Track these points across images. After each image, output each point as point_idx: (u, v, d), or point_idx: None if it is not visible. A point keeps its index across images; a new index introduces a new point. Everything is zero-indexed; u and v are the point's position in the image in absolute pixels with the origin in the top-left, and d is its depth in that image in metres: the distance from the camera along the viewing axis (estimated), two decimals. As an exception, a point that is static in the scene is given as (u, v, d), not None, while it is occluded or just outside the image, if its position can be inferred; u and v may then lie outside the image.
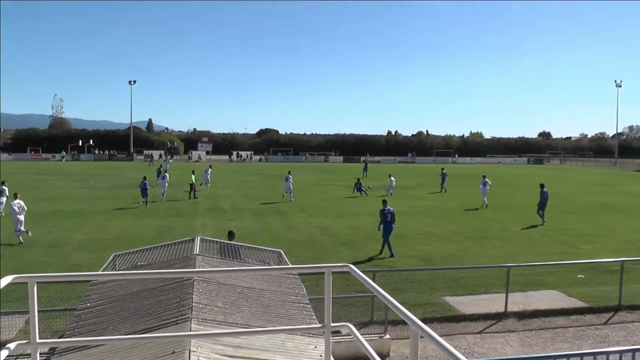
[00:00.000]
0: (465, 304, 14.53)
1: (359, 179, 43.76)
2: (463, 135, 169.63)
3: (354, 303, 14.00)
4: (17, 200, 23.59)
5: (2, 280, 3.69)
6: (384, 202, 22.14)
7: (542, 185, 29.95)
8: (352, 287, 14.71)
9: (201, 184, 44.73)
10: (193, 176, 40.14)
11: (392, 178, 43.07)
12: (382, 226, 21.11)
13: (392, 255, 20.36)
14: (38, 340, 3.76)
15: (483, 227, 26.98)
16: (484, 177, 36.45)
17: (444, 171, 47.29)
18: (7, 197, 30.14)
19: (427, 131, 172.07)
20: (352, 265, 4.26)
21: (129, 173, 61.18)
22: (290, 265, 8.86)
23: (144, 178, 36.38)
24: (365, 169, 63.46)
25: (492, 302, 14.27)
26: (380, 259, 20.07)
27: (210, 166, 51.24)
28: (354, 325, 4.36)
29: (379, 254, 20.59)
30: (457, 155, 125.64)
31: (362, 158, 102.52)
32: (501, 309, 14.09)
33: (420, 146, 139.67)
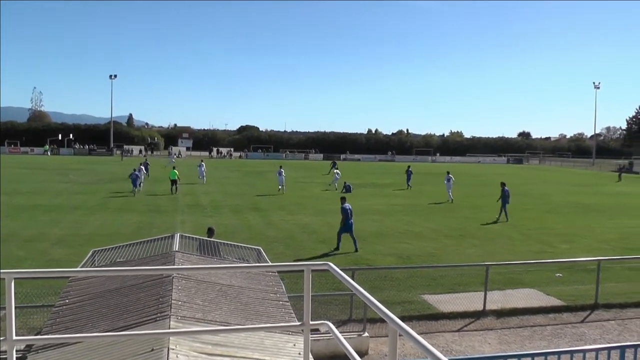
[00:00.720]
0: (444, 302, 14.60)
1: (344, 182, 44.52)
2: (443, 135, 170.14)
3: (333, 301, 14.03)
4: None
5: None
6: (343, 199, 22.46)
7: (503, 184, 31.04)
8: (330, 285, 14.68)
9: (199, 177, 49.00)
10: (175, 172, 40.31)
11: (337, 171, 48.52)
12: (342, 223, 21.45)
13: (337, 249, 20.98)
14: (15, 337, 3.71)
15: (461, 226, 27.15)
16: (448, 172, 39.94)
17: (409, 169, 48.66)
18: None
19: (407, 130, 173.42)
20: (331, 264, 4.27)
21: (109, 168, 60.93)
22: (270, 264, 8.87)
23: (134, 169, 39.24)
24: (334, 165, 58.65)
25: (470, 301, 14.35)
26: (344, 253, 20.21)
27: (202, 160, 53.65)
28: (333, 324, 4.38)
29: (354, 251, 20.72)
30: (438, 154, 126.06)
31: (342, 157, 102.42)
32: (480, 307, 14.17)
33: (400, 145, 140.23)
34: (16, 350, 3.87)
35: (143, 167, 43.40)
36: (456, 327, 13.40)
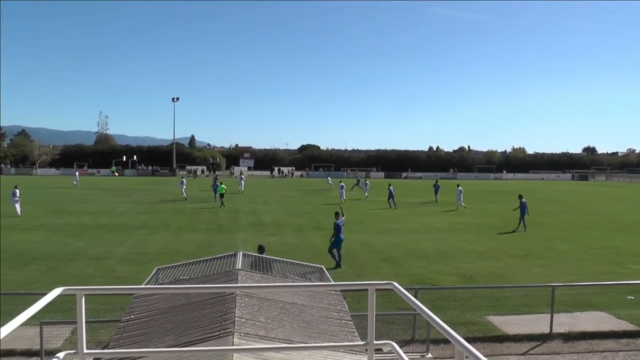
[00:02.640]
0: (509, 323, 14.21)
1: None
2: (505, 151, 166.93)
3: (396, 320, 13.88)
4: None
5: (52, 292, 3.84)
6: (337, 214, 22.34)
7: (520, 196, 32.94)
8: (393, 305, 14.58)
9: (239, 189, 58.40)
10: (223, 186, 44.91)
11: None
12: (334, 238, 21.48)
13: (338, 266, 20.80)
14: (85, 351, 3.88)
15: (526, 245, 26.52)
16: (458, 185, 46.27)
17: (437, 183, 52.57)
18: (19, 199, 36.18)
19: (468, 147, 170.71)
20: (396, 283, 4.23)
21: (172, 188, 61.86)
22: (333, 282, 8.83)
23: (215, 180, 48.69)
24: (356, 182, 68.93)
25: (536, 323, 13.91)
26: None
27: (242, 172, 67.97)
28: (396, 343, 4.32)
29: (334, 267, 20.43)
30: (505, 171, 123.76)
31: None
32: (546, 330, 13.73)
33: (461, 162, 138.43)
34: None
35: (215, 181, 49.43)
36: (522, 350, 13.03)
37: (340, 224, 21.73)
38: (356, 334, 6.48)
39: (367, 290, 4.20)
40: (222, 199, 44.14)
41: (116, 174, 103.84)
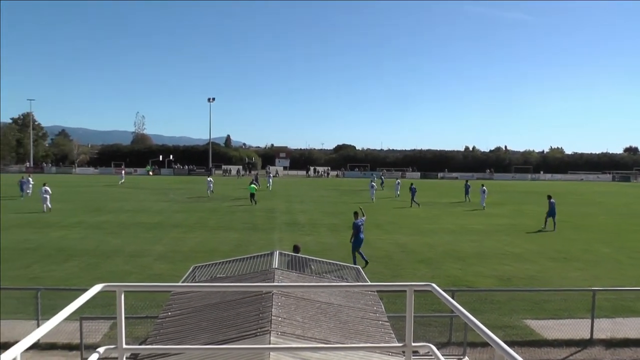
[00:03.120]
0: (548, 328, 13.94)
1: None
2: (543, 151, 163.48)
3: (432, 322, 13.74)
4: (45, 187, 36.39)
5: (93, 288, 3.94)
6: (356, 213, 22.30)
7: (549, 197, 33.29)
8: (429, 306, 14.44)
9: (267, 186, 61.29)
10: (254, 186, 46.87)
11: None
12: (354, 238, 21.39)
13: (367, 263, 20.74)
14: (124, 346, 3.95)
15: (564, 248, 26.03)
16: (483, 185, 48.02)
17: (467, 183, 53.29)
18: (50, 195, 37.30)
19: (505, 147, 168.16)
20: (434, 285, 4.17)
21: (206, 187, 62.33)
22: (370, 283, 8.78)
23: (253, 179, 53.88)
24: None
25: (576, 328, 13.57)
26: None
27: (270, 170, 73.78)
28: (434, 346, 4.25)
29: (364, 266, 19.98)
30: (542, 172, 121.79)
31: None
32: (586, 336, 13.42)
33: (498, 162, 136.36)
34: (125, 357, 4.03)
35: (254, 180, 54.85)
36: (561, 355, 12.78)
37: (360, 223, 21.60)
38: (393, 335, 6.43)
39: (404, 291, 4.15)
40: (253, 197, 45.47)
41: (151, 173, 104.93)
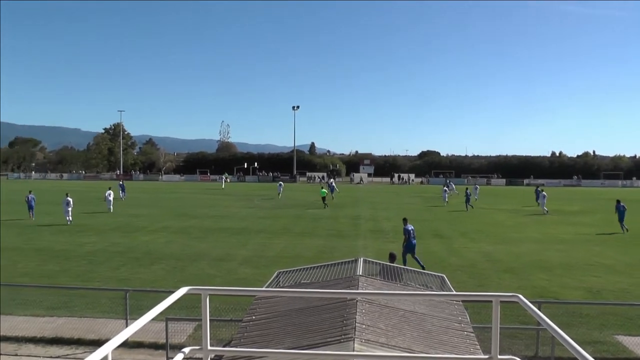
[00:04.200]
0: (642, 345, 13.25)
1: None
2: (635, 156, 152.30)
3: (517, 335, 13.30)
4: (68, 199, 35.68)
5: (179, 290, 4.03)
6: (405, 220, 22.77)
7: (618, 201, 35.36)
8: (515, 318, 14.01)
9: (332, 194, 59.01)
10: (324, 190, 51.22)
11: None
12: (405, 244, 21.74)
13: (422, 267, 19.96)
14: (209, 347, 4.01)
15: (661, 260, 24.76)
16: (542, 190, 48.55)
17: (538, 189, 52.11)
18: (71, 207, 36.28)
19: (593, 151, 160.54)
20: (521, 296, 4.01)
21: (293, 194, 62.98)
22: (455, 292, 8.59)
23: (330, 185, 60.09)
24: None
25: (674, 346, 12.79)
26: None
27: (333, 179, 76.65)
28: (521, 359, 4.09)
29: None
30: (634, 178, 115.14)
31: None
32: (685, 354, 12.66)
33: (586, 168, 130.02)
34: (209, 359, 4.09)
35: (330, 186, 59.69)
36: (657, 374, 12.13)
37: (410, 229, 21.96)
38: (478, 346, 6.25)
39: (489, 302, 4.02)
40: (324, 201, 49.50)
41: (228, 180, 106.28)
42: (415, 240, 21.98)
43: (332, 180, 78.29)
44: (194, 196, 62.81)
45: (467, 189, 52.50)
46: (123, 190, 57.45)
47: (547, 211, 44.65)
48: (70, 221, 35.42)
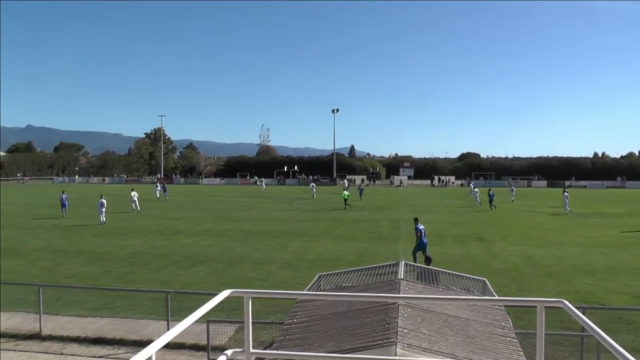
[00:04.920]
0: (694, 354, 12.81)
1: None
2: None
3: (561, 341, 13.01)
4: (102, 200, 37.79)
5: (222, 293, 4.10)
6: (416, 219, 23.27)
7: None
8: (558, 324, 13.74)
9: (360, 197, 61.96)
10: (346, 192, 52.71)
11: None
12: (417, 242, 22.38)
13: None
14: (252, 350, 4.04)
15: None
16: (565, 191, 49.61)
17: (565, 193, 49.50)
18: (105, 208, 38.11)
19: (639, 152, 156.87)
20: (566, 302, 3.93)
21: (333, 197, 62.87)
22: (498, 297, 8.47)
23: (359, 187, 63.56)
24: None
25: None
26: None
27: (363, 182, 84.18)
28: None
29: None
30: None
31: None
32: None
33: (630, 169, 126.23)
34: None
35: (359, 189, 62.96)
36: None
37: (421, 227, 22.46)
38: (522, 353, 6.16)
39: (533, 307, 3.95)
40: (345, 203, 51.10)
41: (258, 183, 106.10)
42: (426, 239, 22.36)
43: (363, 184, 79.02)
44: (234, 199, 63.25)
45: (489, 190, 54.38)
46: (164, 190, 64.01)
47: (569, 211, 45.79)
48: (104, 222, 37.22)
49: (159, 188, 64.74)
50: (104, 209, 37.89)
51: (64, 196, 42.81)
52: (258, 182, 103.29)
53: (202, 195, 70.60)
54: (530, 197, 69.26)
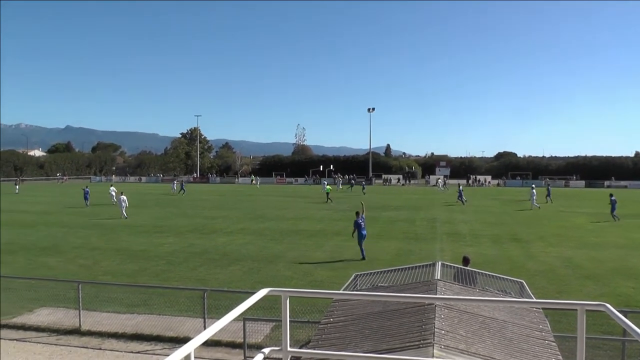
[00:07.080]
0: None
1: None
2: None
3: (601, 345, 12.73)
4: (123, 197, 40.55)
5: (260, 292, 4.14)
6: (357, 213, 25.01)
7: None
8: (598, 327, 13.50)
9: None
10: (329, 187, 61.20)
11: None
12: (356, 233, 24.45)
13: (363, 258, 23.53)
14: (289, 349, 4.08)
15: None
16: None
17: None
18: (126, 204, 40.87)
19: None
20: (608, 305, 3.86)
21: (368, 196, 62.76)
22: (537, 300, 8.38)
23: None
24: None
25: None
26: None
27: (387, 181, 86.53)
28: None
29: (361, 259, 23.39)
30: None
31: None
32: None
33: None
34: None
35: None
36: None
37: (360, 221, 24.36)
38: (560, 356, 6.09)
39: (574, 310, 3.90)
40: (327, 196, 58.42)
41: (254, 182, 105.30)
42: (365, 232, 24.67)
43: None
44: (271, 199, 63.55)
45: (459, 185, 62.36)
46: (182, 187, 72.90)
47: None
48: (125, 217, 39.74)
49: (175, 183, 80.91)
50: (125, 205, 40.56)
51: (86, 189, 53.58)
52: (253, 182, 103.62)
53: (238, 195, 71.17)
54: (568, 198, 68.20)
